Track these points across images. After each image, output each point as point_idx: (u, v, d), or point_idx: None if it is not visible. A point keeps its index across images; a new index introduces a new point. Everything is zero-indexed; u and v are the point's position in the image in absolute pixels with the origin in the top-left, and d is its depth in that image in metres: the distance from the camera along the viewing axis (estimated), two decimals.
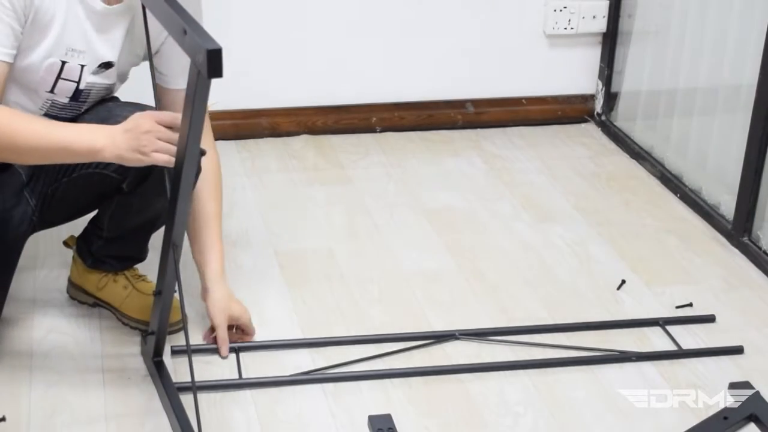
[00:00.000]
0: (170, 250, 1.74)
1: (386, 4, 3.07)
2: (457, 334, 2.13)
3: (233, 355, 2.04)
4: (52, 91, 1.89)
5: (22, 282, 2.24)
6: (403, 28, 3.11)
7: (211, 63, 1.39)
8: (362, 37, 3.09)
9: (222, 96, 2.97)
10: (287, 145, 3.07)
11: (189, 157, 1.61)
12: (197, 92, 1.53)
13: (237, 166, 2.91)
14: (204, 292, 2.08)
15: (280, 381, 1.99)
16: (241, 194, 2.75)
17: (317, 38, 3.05)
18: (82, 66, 1.88)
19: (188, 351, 1.74)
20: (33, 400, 1.91)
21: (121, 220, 2.04)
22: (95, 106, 2.00)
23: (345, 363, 2.04)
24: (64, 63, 1.86)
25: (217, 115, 3.02)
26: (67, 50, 1.86)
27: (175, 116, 1.69)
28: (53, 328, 2.12)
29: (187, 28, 1.45)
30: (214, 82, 2.19)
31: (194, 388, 1.71)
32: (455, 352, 2.09)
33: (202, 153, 1.84)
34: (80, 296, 2.18)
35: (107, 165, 1.90)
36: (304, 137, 3.11)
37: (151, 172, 1.89)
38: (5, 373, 1.98)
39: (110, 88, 1.99)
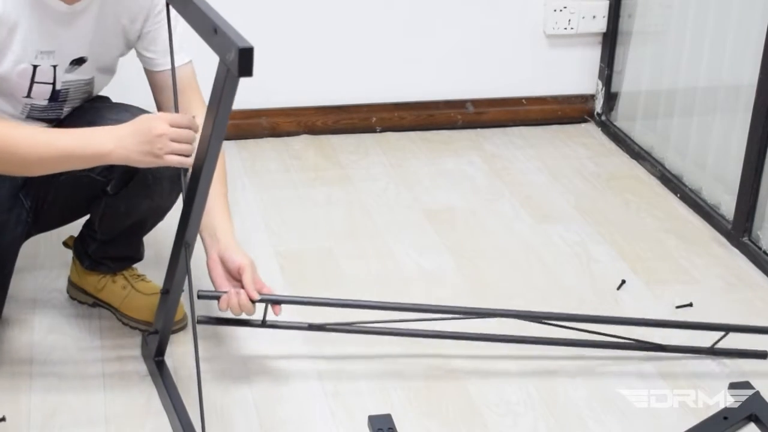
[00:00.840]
0: (183, 249, 1.74)
1: (386, 4, 3.07)
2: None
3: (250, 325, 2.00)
4: (29, 96, 1.86)
5: (22, 282, 2.24)
6: (403, 28, 3.11)
7: (242, 61, 1.39)
8: (362, 37, 3.09)
9: None
10: (287, 145, 3.07)
11: (210, 156, 1.60)
12: (225, 90, 1.52)
13: (237, 166, 2.91)
14: (219, 251, 1.87)
15: (302, 326, 2.01)
16: (241, 194, 2.75)
17: (317, 38, 3.05)
18: (54, 67, 1.85)
19: (194, 338, 1.75)
20: (33, 400, 1.91)
21: (111, 223, 2.03)
22: (83, 107, 1.98)
23: (371, 321, 2.01)
24: (35, 67, 1.83)
25: None
26: (37, 53, 1.82)
27: (191, 118, 1.68)
28: (53, 328, 2.12)
29: (218, 27, 1.45)
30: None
31: (198, 364, 1.71)
32: (457, 349, 2.10)
33: None
34: (80, 296, 2.19)
35: (93, 167, 1.87)
36: (304, 137, 3.11)
37: (135, 174, 1.88)
38: (5, 374, 1.98)
39: (90, 83, 1.96)
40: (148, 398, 1.92)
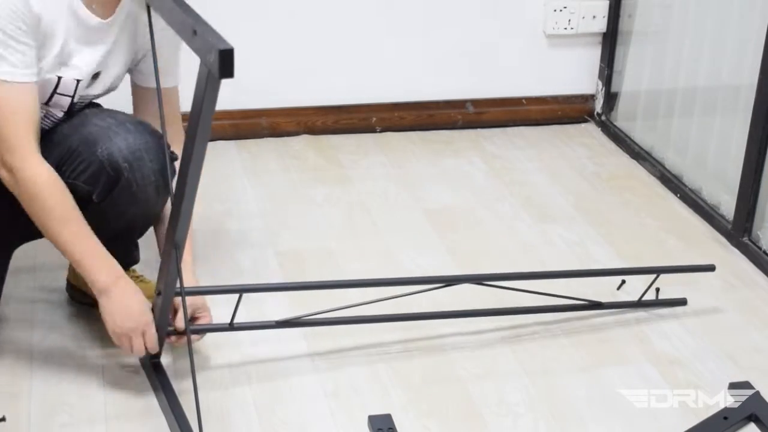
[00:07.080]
0: (173, 251, 1.74)
1: (386, 3, 3.07)
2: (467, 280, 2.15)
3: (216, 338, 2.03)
4: (47, 103, 1.89)
5: (22, 282, 2.24)
6: (403, 28, 3.11)
7: (223, 63, 1.38)
8: (362, 37, 3.09)
9: (222, 96, 2.97)
10: (287, 145, 3.07)
11: (195, 158, 1.60)
12: (207, 92, 1.52)
13: (237, 166, 2.91)
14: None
15: (270, 324, 2.02)
16: (241, 194, 2.75)
17: (317, 38, 3.05)
18: (78, 81, 1.88)
19: (188, 340, 1.75)
20: (33, 400, 1.91)
21: (99, 230, 1.99)
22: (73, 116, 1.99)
23: (342, 307, 2.04)
24: (60, 78, 1.86)
25: (217, 115, 3.01)
26: (62, 65, 1.85)
27: (155, 341, 1.87)
28: (53, 328, 2.12)
29: (197, 28, 1.44)
30: None
31: (194, 380, 1.71)
32: (454, 347, 2.10)
33: (175, 158, 1.87)
34: (80, 297, 2.18)
35: (78, 175, 1.88)
36: (304, 137, 3.11)
37: (118, 182, 1.87)
38: (5, 373, 1.98)
39: (96, 99, 2.01)
40: (148, 398, 1.92)
